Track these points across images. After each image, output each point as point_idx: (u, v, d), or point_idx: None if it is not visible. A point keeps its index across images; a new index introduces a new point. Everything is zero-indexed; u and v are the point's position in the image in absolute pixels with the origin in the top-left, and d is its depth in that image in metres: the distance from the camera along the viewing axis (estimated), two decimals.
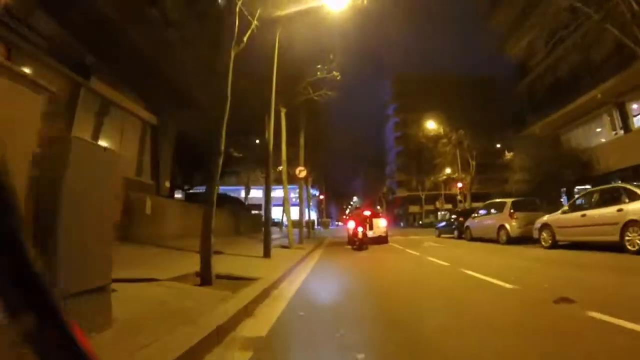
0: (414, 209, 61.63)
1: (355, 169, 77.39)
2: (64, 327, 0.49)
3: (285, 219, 15.77)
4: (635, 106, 18.84)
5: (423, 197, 53.00)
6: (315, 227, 42.97)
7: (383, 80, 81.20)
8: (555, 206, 13.55)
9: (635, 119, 18.79)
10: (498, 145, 37.10)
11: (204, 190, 13.55)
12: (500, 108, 34.54)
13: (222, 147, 5.56)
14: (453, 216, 21.31)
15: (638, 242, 7.87)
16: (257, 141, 24.87)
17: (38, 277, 0.49)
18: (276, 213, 54.84)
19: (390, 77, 75.57)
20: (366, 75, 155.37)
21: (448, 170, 48.91)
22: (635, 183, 8.88)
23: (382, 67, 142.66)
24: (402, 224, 65.15)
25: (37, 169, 2.19)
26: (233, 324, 3.23)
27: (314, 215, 54.10)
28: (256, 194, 36.90)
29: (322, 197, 39.39)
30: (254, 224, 22.67)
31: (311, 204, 58.17)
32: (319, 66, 12.92)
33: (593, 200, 9.91)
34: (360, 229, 12.62)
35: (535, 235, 11.39)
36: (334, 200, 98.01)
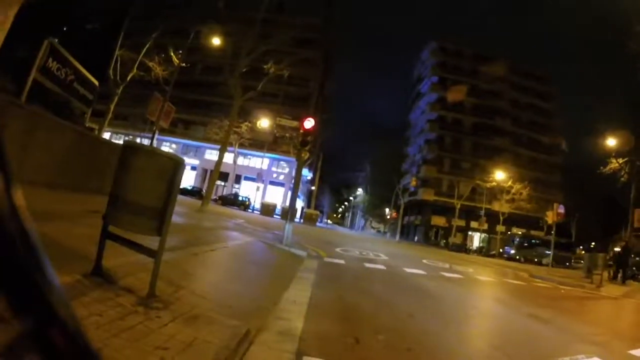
0: (438, 220, 57.95)
1: (363, 158, 74.53)
2: (69, 325, 0.56)
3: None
4: None
5: (458, 206, 48.93)
6: (297, 219, 39.16)
7: (418, 53, 77.83)
8: None
9: None
10: None
11: None
12: None
13: None
14: None
15: None
16: None
17: (42, 272, 0.55)
18: (245, 190, 52.19)
19: (431, 46, 72.01)
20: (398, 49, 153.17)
21: (500, 175, 45.10)
22: None
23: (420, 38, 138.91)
24: (416, 238, 61.63)
25: None
26: None
27: (300, 204, 50.35)
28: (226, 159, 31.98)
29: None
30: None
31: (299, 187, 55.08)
32: None
33: None
34: None
35: None
36: (329, 192, 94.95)
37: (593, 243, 57.69)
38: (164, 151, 3.79)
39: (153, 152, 3.65)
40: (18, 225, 0.53)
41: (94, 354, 0.57)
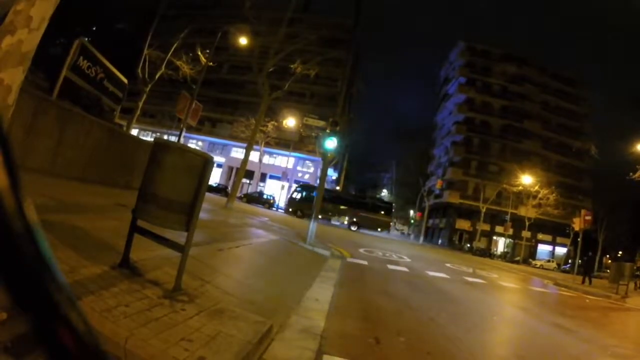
0: (463, 224, 57.10)
1: (388, 158, 73.97)
2: (75, 324, 0.55)
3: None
4: None
5: (483, 210, 48.21)
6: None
7: (446, 53, 76.68)
8: None
9: None
10: None
11: None
12: None
13: None
14: None
15: None
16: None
17: (48, 271, 0.55)
18: (270, 188, 52.44)
19: (459, 46, 70.61)
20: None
21: (528, 179, 44.13)
22: None
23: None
24: (440, 241, 60.95)
25: None
26: None
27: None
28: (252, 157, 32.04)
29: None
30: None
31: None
32: None
33: None
34: None
35: None
36: (354, 192, 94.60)
37: (620, 252, 56.25)
38: (193, 149, 3.86)
39: (183, 150, 3.72)
40: (24, 224, 0.53)
41: (102, 353, 0.57)
